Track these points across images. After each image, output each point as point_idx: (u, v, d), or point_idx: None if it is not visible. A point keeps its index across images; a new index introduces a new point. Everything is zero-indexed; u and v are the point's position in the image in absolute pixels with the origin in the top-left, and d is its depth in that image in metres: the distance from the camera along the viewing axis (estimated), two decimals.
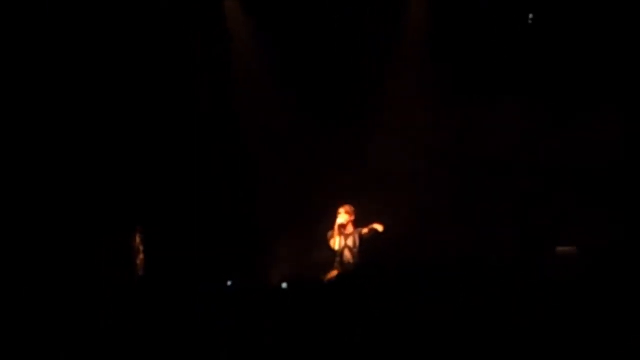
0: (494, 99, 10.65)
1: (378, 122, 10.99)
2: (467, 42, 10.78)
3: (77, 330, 6.40)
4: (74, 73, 10.47)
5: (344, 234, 9.92)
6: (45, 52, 10.33)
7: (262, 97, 11.22)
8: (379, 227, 9.83)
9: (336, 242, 9.91)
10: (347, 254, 9.93)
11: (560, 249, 9.04)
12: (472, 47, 10.77)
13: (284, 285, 8.60)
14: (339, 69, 11.06)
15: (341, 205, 9.95)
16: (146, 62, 10.74)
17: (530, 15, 10.85)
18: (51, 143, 10.39)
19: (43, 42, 10.29)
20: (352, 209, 9.95)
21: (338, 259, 9.90)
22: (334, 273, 9.84)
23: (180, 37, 10.89)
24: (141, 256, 10.22)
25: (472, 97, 10.70)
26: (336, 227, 9.90)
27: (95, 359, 6.11)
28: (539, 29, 10.80)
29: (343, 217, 9.90)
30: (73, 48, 10.42)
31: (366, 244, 9.85)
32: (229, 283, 9.60)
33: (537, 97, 10.55)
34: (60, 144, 10.43)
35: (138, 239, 10.25)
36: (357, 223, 9.97)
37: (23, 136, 10.27)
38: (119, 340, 6.21)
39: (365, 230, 9.89)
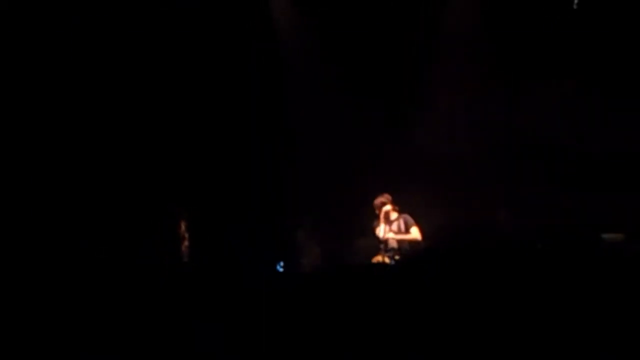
0: (542, 82, 10.55)
1: (424, 108, 10.94)
2: (514, 25, 10.67)
3: (122, 316, 6.46)
4: (122, 64, 10.53)
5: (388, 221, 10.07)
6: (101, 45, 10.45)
7: (307, 87, 11.24)
8: (417, 235, 9.98)
9: (381, 230, 10.06)
10: (391, 240, 10.06)
11: (606, 235, 8.96)
12: (519, 30, 10.66)
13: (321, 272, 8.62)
14: (384, 53, 11.01)
15: (379, 195, 10.12)
16: (191, 51, 10.77)
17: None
18: (98, 129, 10.49)
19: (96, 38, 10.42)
20: (389, 197, 10.13)
21: (383, 246, 10.05)
22: (378, 258, 9.95)
23: (226, 23, 10.90)
24: (186, 243, 10.29)
25: (519, 80, 10.64)
26: (382, 216, 10.05)
27: (140, 343, 6.16)
28: (585, 12, 10.70)
29: (387, 206, 10.08)
30: (132, 36, 10.52)
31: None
32: (279, 265, 9.66)
33: (586, 80, 10.44)
34: (107, 132, 10.52)
35: (183, 226, 10.32)
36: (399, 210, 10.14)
37: (73, 124, 10.39)
38: (164, 326, 6.26)
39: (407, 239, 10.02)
